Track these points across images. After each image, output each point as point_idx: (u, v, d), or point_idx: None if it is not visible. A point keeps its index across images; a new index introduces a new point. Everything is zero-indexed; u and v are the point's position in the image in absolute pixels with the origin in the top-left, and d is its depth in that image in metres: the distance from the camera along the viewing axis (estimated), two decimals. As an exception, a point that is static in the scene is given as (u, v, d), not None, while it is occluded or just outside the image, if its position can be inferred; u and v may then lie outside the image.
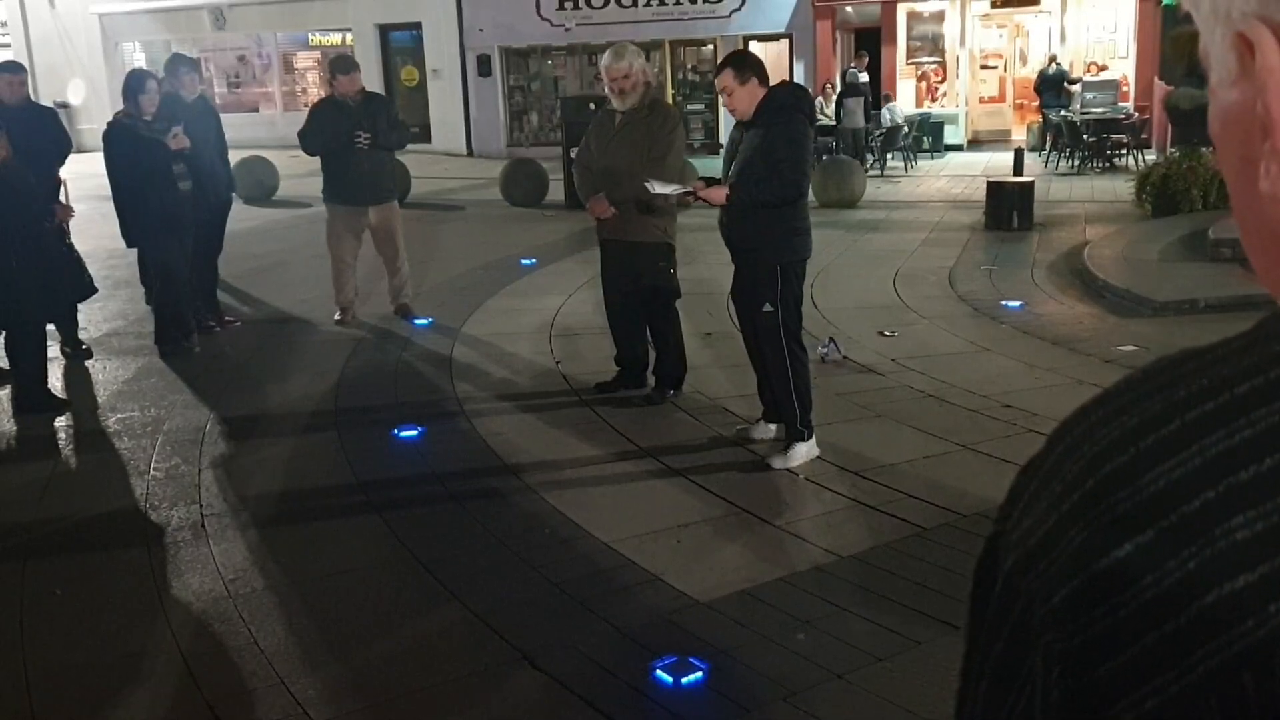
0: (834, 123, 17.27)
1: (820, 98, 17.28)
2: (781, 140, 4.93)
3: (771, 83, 5.15)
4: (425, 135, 22.30)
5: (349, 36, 23.97)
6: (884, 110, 18.30)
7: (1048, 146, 17.72)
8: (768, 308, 5.08)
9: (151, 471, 5.32)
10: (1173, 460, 0.42)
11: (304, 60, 25.37)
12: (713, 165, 11.55)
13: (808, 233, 5.17)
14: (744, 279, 5.23)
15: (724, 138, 20.96)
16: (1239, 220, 0.53)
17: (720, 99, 5.33)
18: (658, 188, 5.44)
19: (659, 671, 3.42)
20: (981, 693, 0.49)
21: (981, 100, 21.31)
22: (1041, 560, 0.45)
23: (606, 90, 6.07)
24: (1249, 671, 0.38)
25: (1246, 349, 0.45)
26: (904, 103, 19.40)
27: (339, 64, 8.17)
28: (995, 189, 11.93)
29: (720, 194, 5.08)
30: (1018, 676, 0.46)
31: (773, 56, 19.78)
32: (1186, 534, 0.40)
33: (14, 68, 7.66)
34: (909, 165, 17.74)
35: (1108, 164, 16.46)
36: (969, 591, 0.51)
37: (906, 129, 17.73)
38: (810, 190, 5.14)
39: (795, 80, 7.17)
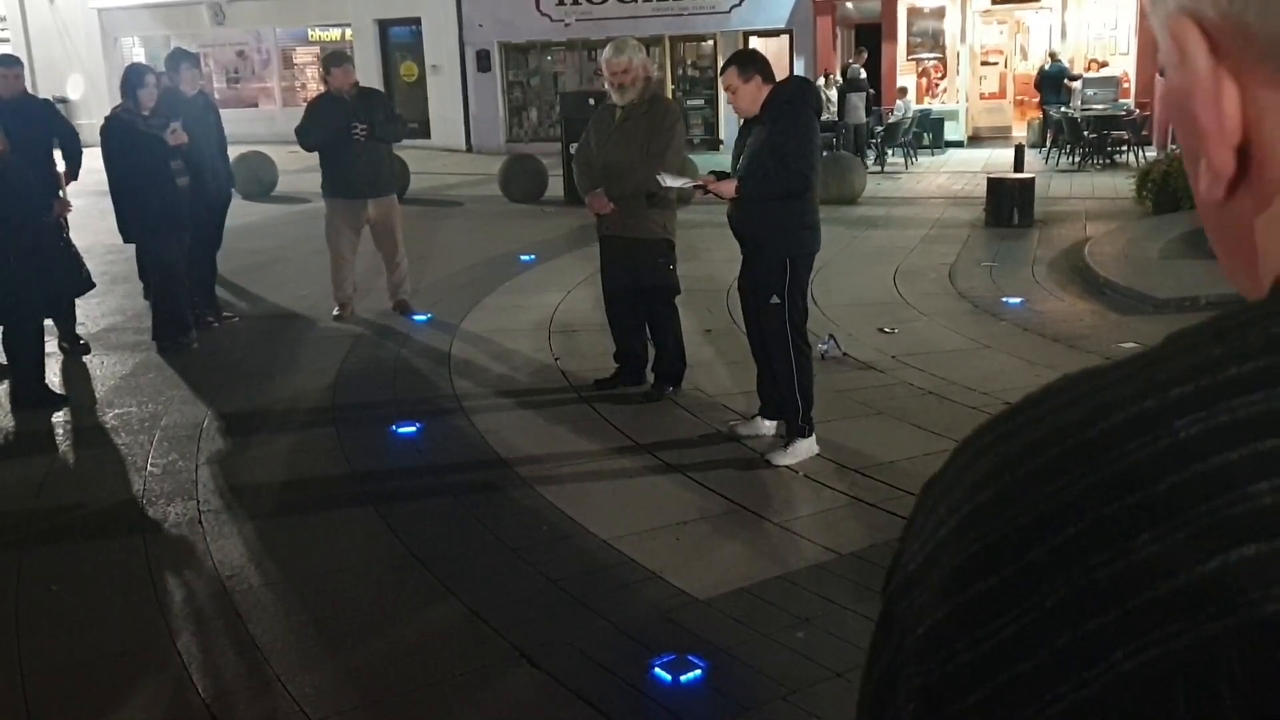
0: (835, 118, 17.26)
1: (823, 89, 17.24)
2: (789, 133, 4.92)
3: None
4: (424, 131, 22.28)
5: (348, 32, 23.95)
6: (898, 104, 18.31)
7: (1048, 143, 17.70)
8: (774, 300, 5.07)
9: (149, 467, 5.31)
10: (1039, 493, 0.41)
11: (303, 56, 25.34)
12: (712, 161, 11.55)
13: (817, 227, 5.16)
14: (752, 271, 5.22)
15: (724, 133, 21.06)
16: (1197, 205, 0.51)
17: (725, 97, 5.33)
18: (669, 180, 5.45)
19: (658, 669, 3.40)
20: (863, 714, 0.48)
21: (982, 96, 21.31)
22: (915, 587, 0.43)
23: (606, 85, 6.05)
24: (1115, 708, 0.36)
25: (1132, 363, 0.43)
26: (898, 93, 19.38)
27: (332, 58, 8.18)
28: (996, 185, 11.91)
29: (730, 187, 5.08)
30: (888, 707, 0.44)
31: (773, 52, 19.71)
32: (1052, 568, 0.39)
33: (9, 61, 7.63)
34: (909, 161, 17.72)
35: (1108, 161, 16.45)
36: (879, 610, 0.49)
37: (907, 125, 17.71)
38: (818, 184, 5.13)
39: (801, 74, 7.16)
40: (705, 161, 10.75)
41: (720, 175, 5.24)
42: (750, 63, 5.11)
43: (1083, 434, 0.41)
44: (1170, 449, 0.39)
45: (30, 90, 8.50)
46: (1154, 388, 0.41)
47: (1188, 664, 0.36)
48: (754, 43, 19.56)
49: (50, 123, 7.86)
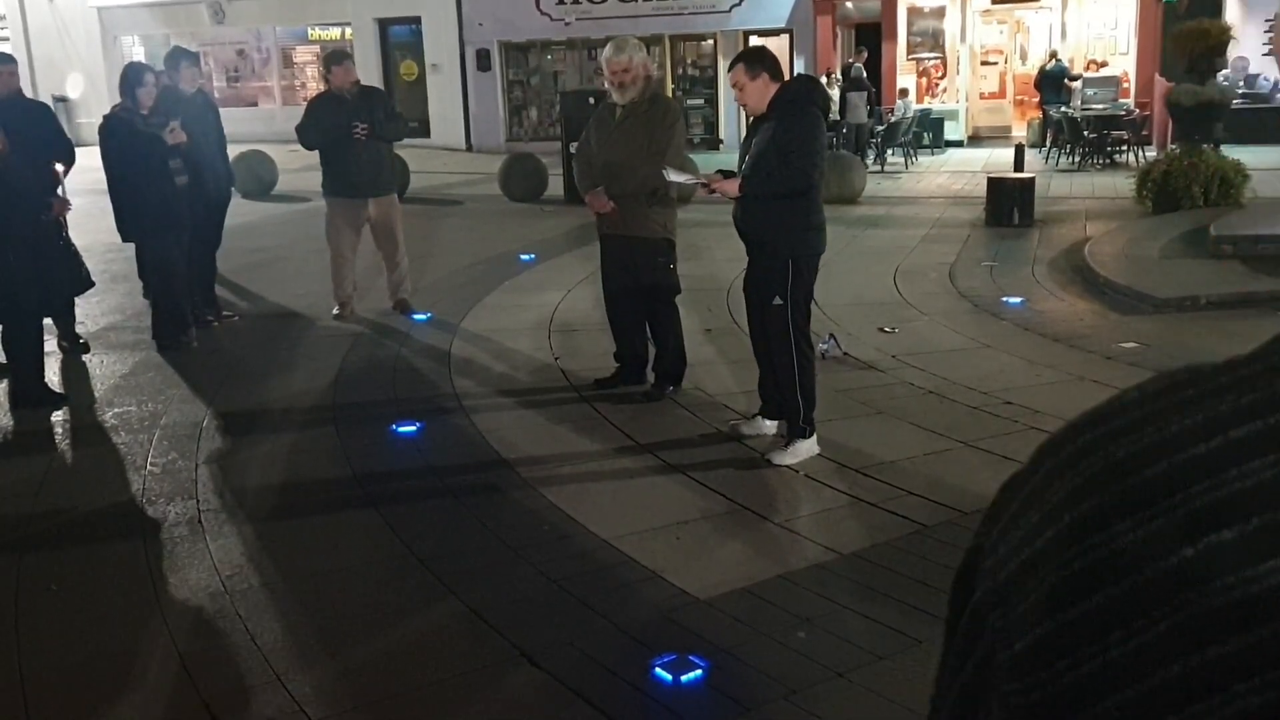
0: (836, 117, 17.25)
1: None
2: (793, 132, 4.92)
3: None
4: (424, 130, 22.28)
5: (348, 31, 23.94)
6: (898, 104, 18.30)
7: (1048, 143, 17.70)
8: (777, 301, 5.07)
9: (148, 467, 5.30)
10: (1150, 510, 0.39)
11: (303, 54, 25.33)
12: (712, 160, 11.53)
13: (822, 228, 5.15)
14: (756, 271, 5.22)
15: (724, 133, 21.04)
16: None
17: (725, 95, 5.32)
18: (673, 176, 5.45)
19: (659, 669, 3.39)
20: (944, 717, 0.47)
21: (982, 96, 21.30)
22: (1010, 598, 0.42)
23: (607, 84, 6.04)
24: None
25: (1248, 381, 0.41)
26: (899, 93, 19.37)
27: (333, 57, 8.17)
28: (996, 185, 11.91)
29: (733, 186, 5.08)
30: (977, 714, 0.43)
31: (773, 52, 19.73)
32: (1165, 591, 0.37)
33: (3, 58, 7.61)
34: (909, 161, 17.71)
35: (1108, 160, 16.45)
36: (948, 600, 0.47)
37: (907, 124, 17.71)
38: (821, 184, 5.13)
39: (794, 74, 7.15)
40: (705, 161, 10.75)
41: (726, 174, 5.24)
42: (758, 60, 5.11)
43: (1198, 446, 0.39)
44: None
45: (31, 88, 8.49)
46: (1276, 401, 0.39)
47: None
48: (753, 42, 19.54)
49: (49, 127, 7.81)
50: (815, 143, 4.98)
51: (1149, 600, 0.37)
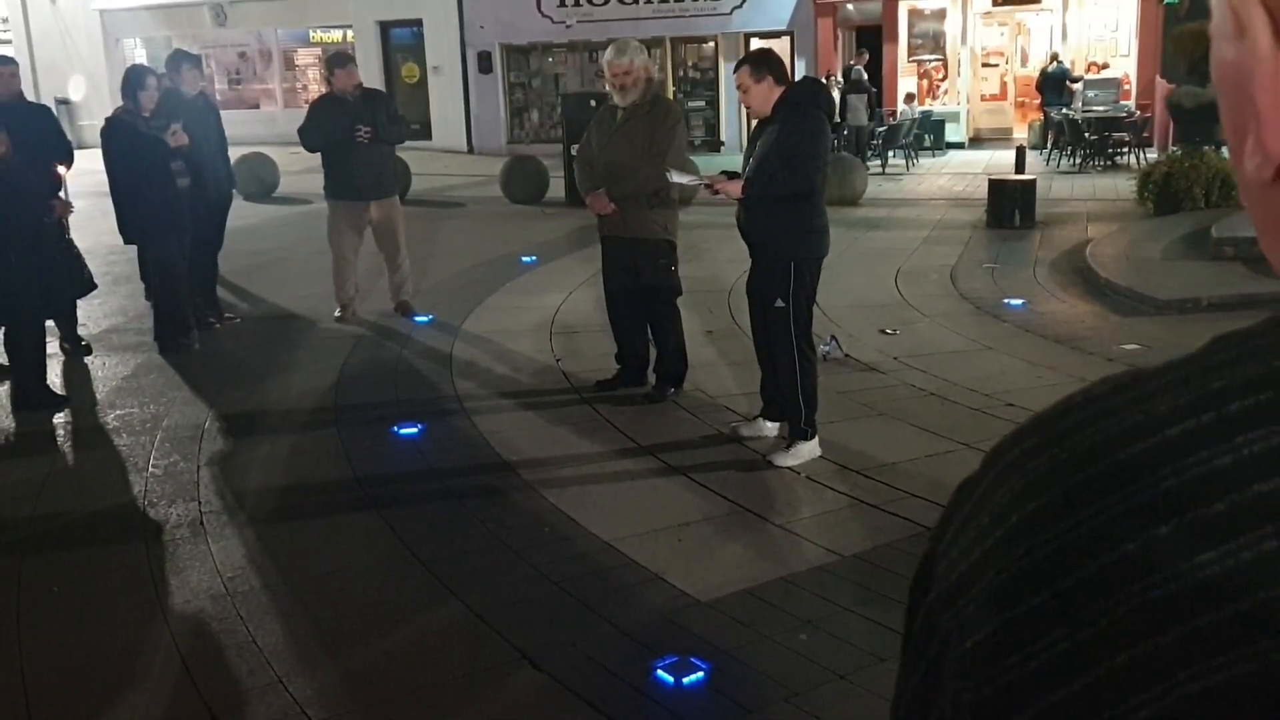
0: (838, 119, 17.26)
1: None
2: (797, 135, 4.92)
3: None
4: (426, 132, 22.28)
5: (350, 33, 23.96)
6: (902, 109, 18.32)
7: (1049, 145, 17.70)
8: (779, 303, 5.07)
9: (150, 468, 5.30)
10: (1091, 509, 0.39)
11: (305, 57, 25.35)
12: (713, 162, 11.53)
13: (825, 231, 5.15)
14: (758, 273, 5.22)
15: (725, 135, 21.03)
16: (1238, 179, 0.50)
17: (727, 98, 5.33)
18: (677, 177, 5.46)
19: (660, 671, 3.40)
20: (901, 717, 0.47)
21: (983, 98, 21.30)
22: (960, 598, 0.42)
23: (608, 86, 6.05)
24: None
25: (1184, 382, 0.41)
26: (903, 99, 19.38)
27: (336, 59, 8.17)
28: (997, 187, 11.91)
29: (736, 187, 5.09)
30: (929, 716, 0.44)
31: (774, 54, 19.74)
32: (1108, 585, 0.38)
33: (3, 60, 7.61)
34: (910, 163, 17.72)
35: (1109, 162, 16.45)
36: (906, 607, 0.48)
37: (908, 127, 17.72)
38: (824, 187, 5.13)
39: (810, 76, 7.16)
40: (706, 163, 10.76)
41: (730, 175, 5.24)
42: (763, 63, 5.11)
43: (1136, 446, 0.40)
44: (1234, 467, 0.38)
45: (33, 90, 8.51)
46: (1209, 399, 0.40)
47: (1258, 689, 0.35)
48: (755, 44, 19.55)
49: (49, 129, 7.82)
50: (818, 146, 4.98)
51: (1093, 595, 0.38)
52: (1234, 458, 0.38)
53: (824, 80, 17.66)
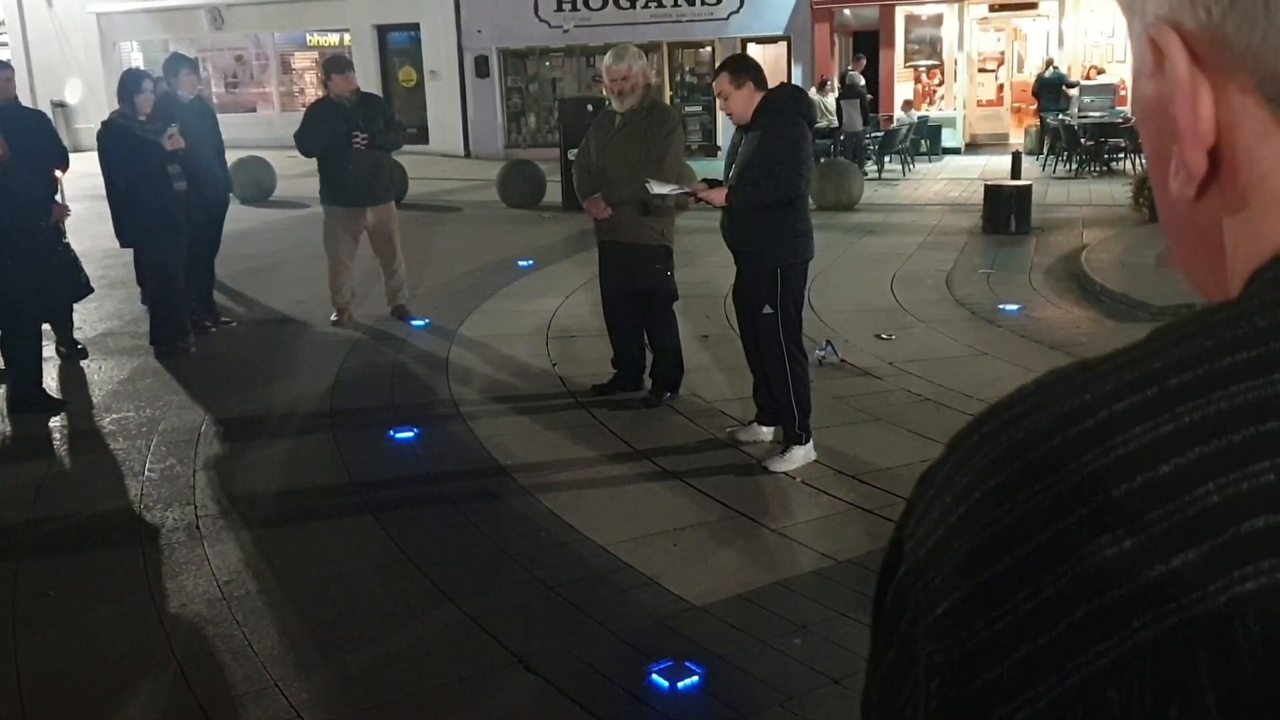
0: (836, 124, 17.28)
1: (818, 94, 17.23)
2: (779, 142, 4.92)
3: (770, 85, 5.15)
4: (423, 136, 22.29)
5: (347, 37, 23.96)
6: (899, 115, 18.36)
7: (1045, 150, 17.73)
8: (767, 310, 5.08)
9: (146, 472, 5.30)
10: (1046, 480, 0.43)
11: (302, 61, 25.35)
12: (711, 168, 11.56)
13: (809, 235, 5.16)
14: (744, 280, 5.23)
15: (722, 140, 21.05)
16: (1158, 208, 0.55)
17: (719, 103, 5.34)
18: (656, 188, 5.44)
19: (655, 676, 3.40)
20: (874, 702, 0.51)
21: (979, 104, 21.34)
22: (929, 571, 0.45)
23: (606, 91, 6.06)
24: (1113, 687, 0.39)
25: (1128, 365, 0.45)
26: (900, 106, 19.42)
27: (333, 64, 8.15)
28: (993, 192, 11.93)
29: (720, 195, 5.09)
30: (904, 687, 0.46)
31: (771, 59, 19.79)
32: (1061, 550, 0.41)
33: None
34: (906, 168, 17.74)
35: (1105, 168, 16.47)
36: (873, 597, 0.51)
37: (904, 132, 17.75)
38: (810, 192, 5.14)
39: (793, 83, 7.17)
40: (703, 168, 10.77)
41: (712, 183, 5.25)
42: (743, 69, 5.11)
43: (1084, 421, 0.43)
44: (1175, 434, 0.41)
45: (30, 94, 8.50)
46: (1152, 376, 0.44)
47: (1202, 635, 0.38)
48: (752, 49, 19.58)
49: (44, 134, 7.81)
50: (800, 153, 4.98)
51: (1050, 558, 0.41)
52: (1175, 425, 0.41)
53: (821, 85, 17.81)
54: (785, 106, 5.03)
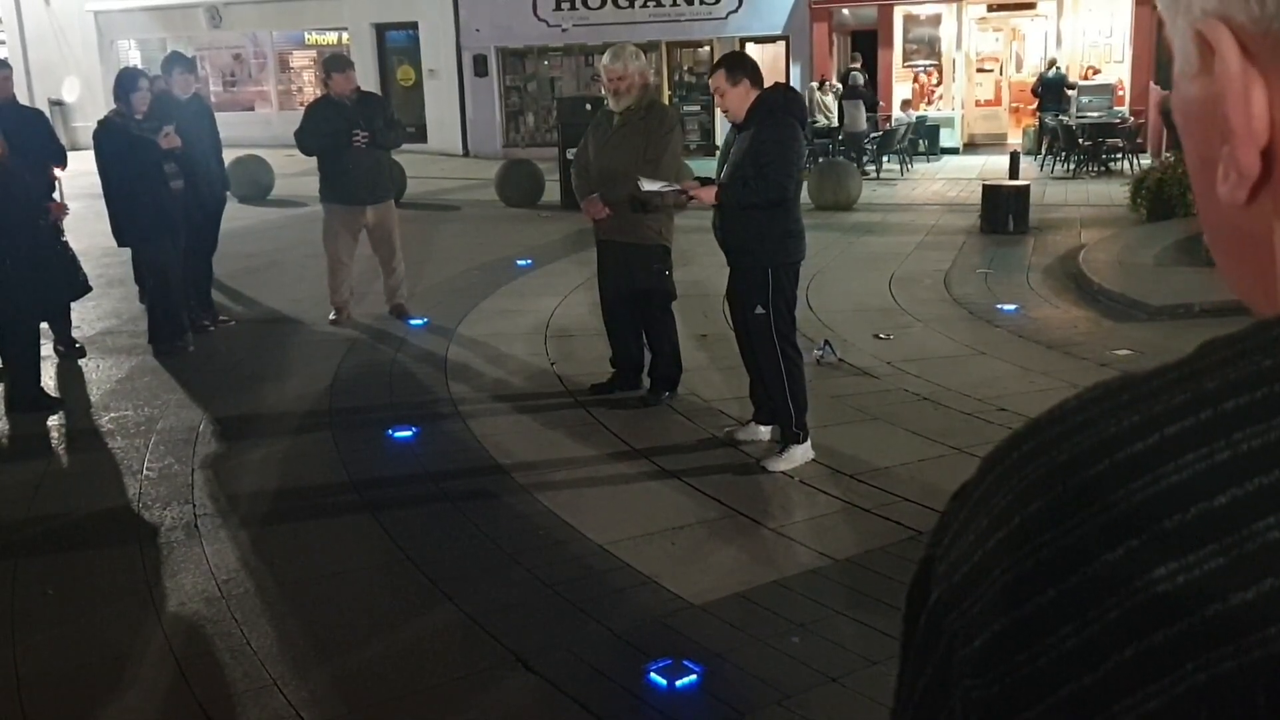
0: (835, 123, 17.27)
1: (818, 93, 17.22)
2: (770, 142, 4.93)
3: (766, 84, 5.15)
4: (421, 135, 22.27)
5: (345, 36, 23.94)
6: (898, 115, 18.38)
7: (1043, 150, 17.74)
8: (759, 310, 5.08)
9: (144, 471, 5.31)
10: (1093, 507, 0.41)
11: (300, 59, 25.33)
12: (709, 167, 11.56)
13: (801, 235, 5.17)
14: (736, 281, 5.23)
15: (720, 139, 20.96)
16: (1201, 216, 0.52)
17: (715, 100, 5.34)
18: (647, 185, 5.44)
19: (653, 674, 3.41)
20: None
21: (977, 104, 21.34)
22: (965, 599, 0.43)
23: (604, 91, 6.07)
24: None
25: (1178, 384, 0.43)
26: (899, 105, 19.44)
27: (333, 62, 8.15)
28: (991, 192, 11.94)
29: (710, 193, 5.09)
30: (938, 717, 0.45)
31: (769, 58, 19.78)
32: (1114, 581, 0.39)
33: None
34: (905, 168, 17.75)
35: (1103, 168, 16.49)
36: (902, 614, 0.49)
37: (903, 132, 17.76)
38: (804, 193, 5.14)
39: (789, 83, 7.19)
40: (701, 167, 10.77)
41: (705, 182, 5.25)
42: (739, 67, 5.12)
43: (1132, 445, 0.41)
44: (1233, 462, 0.39)
45: (27, 92, 8.50)
46: (1205, 399, 0.41)
47: (1261, 680, 0.36)
48: (750, 49, 19.57)
49: (42, 133, 7.81)
50: (791, 153, 4.98)
51: (1098, 591, 0.39)
52: (1233, 453, 0.39)
53: (821, 84, 17.81)
54: (778, 107, 5.04)
